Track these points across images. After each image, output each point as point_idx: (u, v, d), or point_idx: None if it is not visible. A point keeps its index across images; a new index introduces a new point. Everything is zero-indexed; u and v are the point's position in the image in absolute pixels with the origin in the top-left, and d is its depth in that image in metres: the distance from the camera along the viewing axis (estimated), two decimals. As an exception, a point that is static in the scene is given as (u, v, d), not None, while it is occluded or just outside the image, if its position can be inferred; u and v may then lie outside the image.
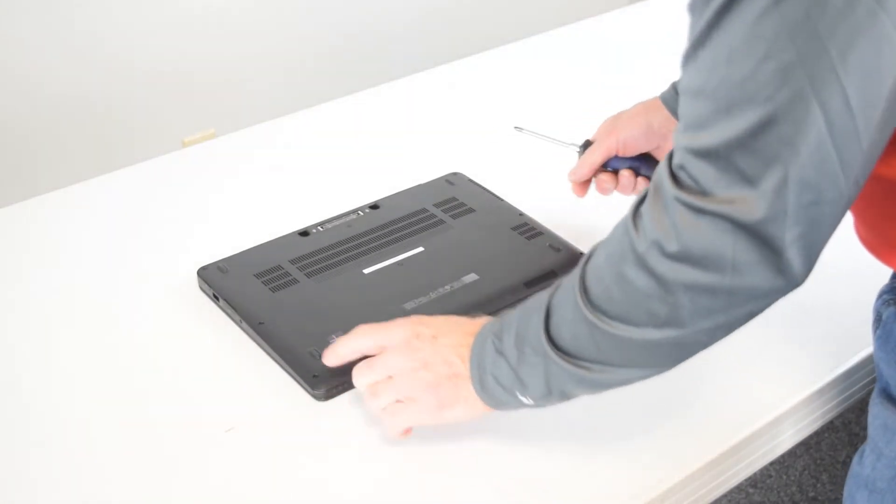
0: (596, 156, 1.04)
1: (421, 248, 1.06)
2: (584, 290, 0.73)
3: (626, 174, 1.05)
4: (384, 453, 0.86)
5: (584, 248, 1.07)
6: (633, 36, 1.60)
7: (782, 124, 0.61)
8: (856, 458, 0.88)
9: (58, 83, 2.04)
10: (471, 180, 1.18)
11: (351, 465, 0.85)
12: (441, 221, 1.10)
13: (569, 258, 1.05)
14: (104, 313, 1.02)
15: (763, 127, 0.62)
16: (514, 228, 1.09)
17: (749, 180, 0.63)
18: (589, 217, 1.15)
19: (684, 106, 0.66)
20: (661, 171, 0.68)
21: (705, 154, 0.64)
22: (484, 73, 1.50)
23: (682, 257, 0.66)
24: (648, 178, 1.05)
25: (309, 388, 0.90)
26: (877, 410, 0.85)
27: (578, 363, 0.74)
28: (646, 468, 0.84)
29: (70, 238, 1.14)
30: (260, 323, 0.96)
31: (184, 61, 2.17)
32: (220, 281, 1.02)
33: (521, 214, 1.12)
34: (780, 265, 0.66)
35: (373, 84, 1.47)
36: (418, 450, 0.86)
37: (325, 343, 0.93)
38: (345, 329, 0.94)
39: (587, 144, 1.07)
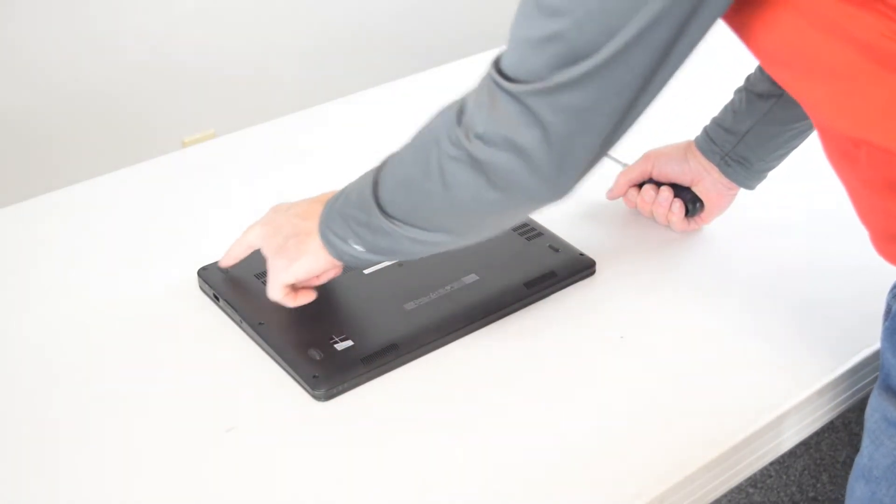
0: (631, 174, 1.12)
1: (421, 249, 1.06)
2: (405, 150, 0.84)
3: (647, 187, 1.11)
4: (384, 453, 0.86)
5: (584, 248, 1.07)
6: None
7: (577, 43, 0.69)
8: (858, 454, 0.88)
9: (57, 84, 2.04)
10: (471, 180, 1.18)
11: (351, 465, 0.85)
12: (441, 221, 1.10)
13: (569, 258, 1.05)
14: (104, 313, 1.02)
15: (556, 37, 0.69)
16: (514, 229, 1.09)
17: (538, 76, 0.71)
18: (589, 217, 1.15)
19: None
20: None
21: (515, 43, 0.74)
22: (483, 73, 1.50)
23: (475, 133, 0.76)
24: (683, 200, 1.10)
25: (309, 388, 0.90)
26: (876, 403, 0.85)
27: (394, 222, 0.84)
28: (646, 468, 0.84)
29: (70, 238, 1.14)
30: (260, 323, 0.96)
31: (184, 61, 2.17)
32: (220, 281, 1.02)
33: (521, 214, 1.12)
34: (549, 144, 0.73)
35: (373, 84, 1.47)
36: (418, 450, 0.86)
37: (326, 343, 0.93)
38: (345, 329, 0.95)
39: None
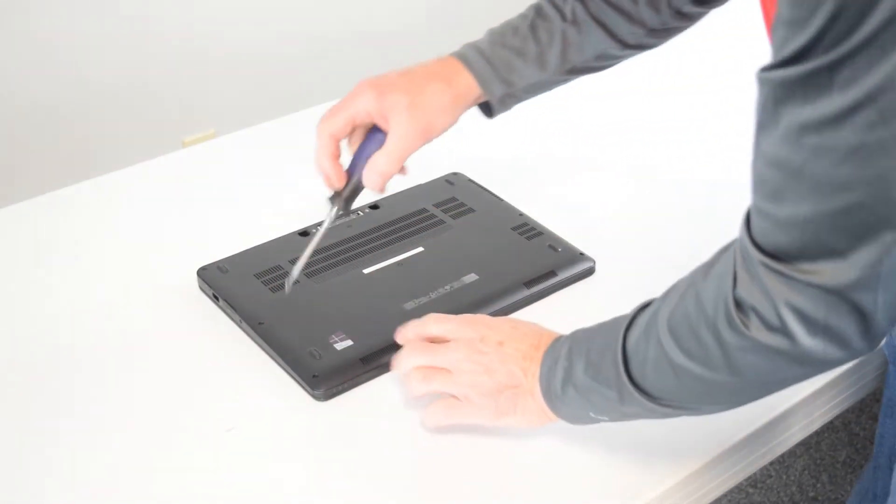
0: (412, 146, 0.89)
1: (421, 248, 1.06)
2: (666, 342, 0.72)
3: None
4: (384, 453, 0.86)
5: (584, 248, 1.07)
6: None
7: (875, 209, 0.60)
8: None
9: (58, 83, 2.04)
10: (471, 180, 1.18)
11: (351, 465, 0.85)
12: (441, 221, 1.10)
13: (569, 258, 1.05)
14: (104, 313, 1.02)
15: (854, 209, 0.60)
16: (514, 228, 1.09)
17: (838, 254, 0.61)
18: (589, 217, 1.15)
19: (763, 169, 0.63)
20: (742, 236, 0.66)
21: (789, 224, 0.62)
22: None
23: (777, 328, 0.65)
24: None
25: (309, 388, 0.91)
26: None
27: (659, 402, 0.74)
28: (646, 468, 0.84)
29: (70, 238, 1.14)
30: (260, 323, 0.96)
31: (183, 61, 2.17)
32: (220, 281, 1.02)
33: (521, 214, 1.12)
34: (868, 328, 0.64)
35: (373, 84, 1.47)
36: (418, 450, 0.86)
37: (326, 343, 0.93)
38: (345, 329, 0.95)
39: (341, 196, 0.90)
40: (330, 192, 0.90)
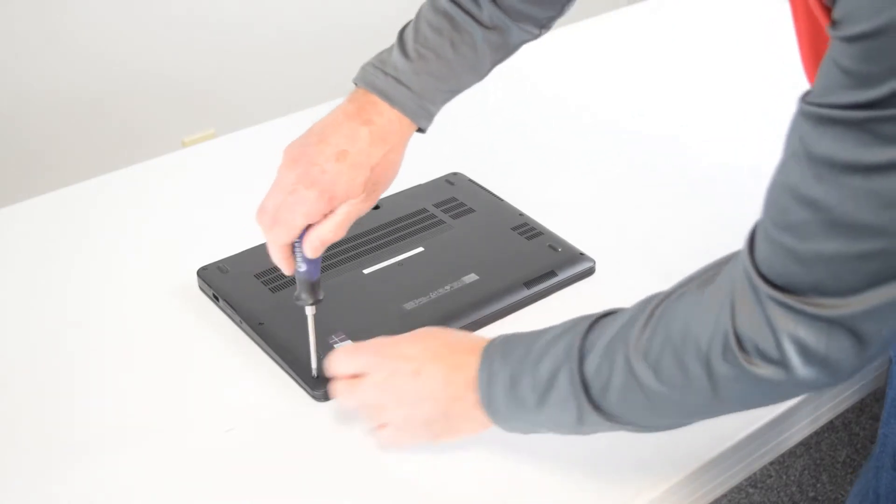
0: (359, 214, 0.87)
1: (421, 248, 1.06)
2: (639, 368, 0.71)
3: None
4: (384, 454, 0.86)
5: (584, 248, 1.07)
6: (633, 36, 1.60)
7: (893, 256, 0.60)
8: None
9: (58, 83, 2.04)
10: (471, 180, 1.18)
11: (351, 465, 0.85)
12: (441, 221, 1.10)
13: (568, 258, 1.05)
14: (104, 313, 1.02)
15: (883, 254, 0.59)
16: (514, 228, 1.09)
17: (854, 291, 0.61)
18: (589, 217, 1.15)
19: (787, 202, 0.62)
20: (747, 266, 0.65)
21: (809, 260, 0.61)
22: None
23: (776, 361, 0.64)
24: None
25: (309, 388, 0.91)
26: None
27: (621, 420, 0.74)
28: (646, 468, 0.84)
29: (70, 238, 1.14)
30: (260, 323, 0.96)
31: (184, 61, 2.17)
32: (220, 281, 1.02)
33: (521, 214, 1.12)
34: (862, 357, 0.64)
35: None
36: (417, 451, 0.86)
37: (325, 343, 0.93)
38: (345, 329, 0.95)
39: (306, 298, 0.89)
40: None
